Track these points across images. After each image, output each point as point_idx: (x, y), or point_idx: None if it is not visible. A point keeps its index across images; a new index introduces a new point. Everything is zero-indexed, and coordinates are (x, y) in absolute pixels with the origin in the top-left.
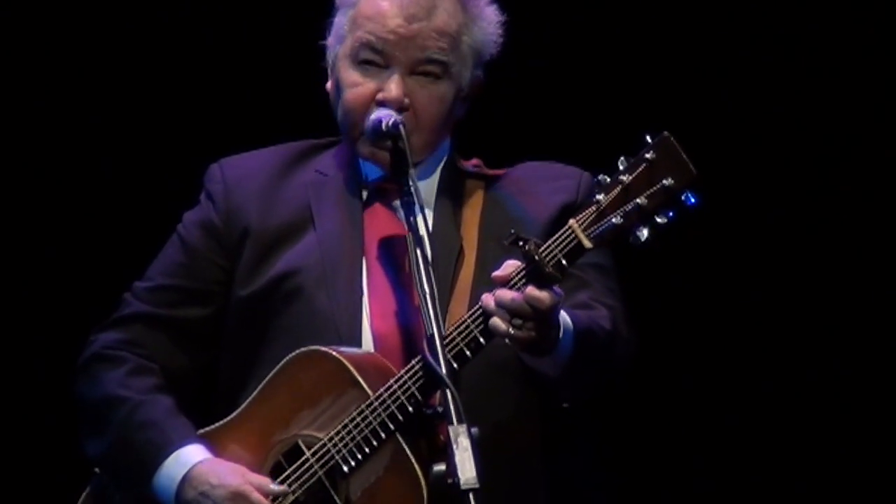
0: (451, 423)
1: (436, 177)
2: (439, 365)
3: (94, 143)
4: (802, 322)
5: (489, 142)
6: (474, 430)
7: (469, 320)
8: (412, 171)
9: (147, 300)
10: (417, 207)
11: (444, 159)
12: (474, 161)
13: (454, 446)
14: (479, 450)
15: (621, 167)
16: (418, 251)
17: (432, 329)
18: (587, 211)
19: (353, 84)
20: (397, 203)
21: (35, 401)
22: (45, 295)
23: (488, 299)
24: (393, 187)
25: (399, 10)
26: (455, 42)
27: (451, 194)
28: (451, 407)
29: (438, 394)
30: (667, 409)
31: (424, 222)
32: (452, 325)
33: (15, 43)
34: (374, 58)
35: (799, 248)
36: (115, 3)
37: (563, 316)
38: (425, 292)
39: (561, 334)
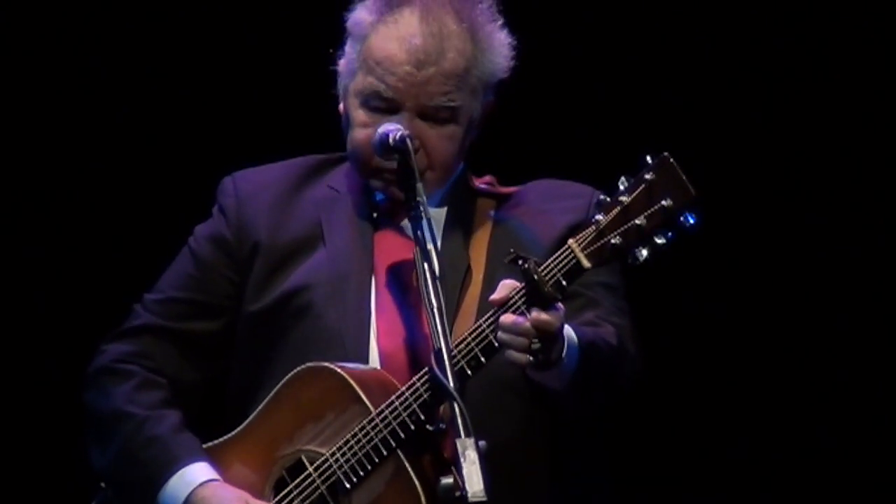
0: (459, 436)
1: (446, 196)
2: (447, 378)
3: (109, 154)
4: (807, 336)
5: (502, 158)
6: (482, 443)
7: (470, 338)
8: (419, 186)
9: (157, 312)
10: (425, 221)
11: (455, 178)
12: (487, 178)
13: (462, 459)
14: (486, 465)
15: (621, 187)
16: (425, 265)
17: (440, 343)
18: (587, 231)
19: (363, 124)
20: (407, 223)
21: (45, 411)
22: (57, 304)
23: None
24: (403, 207)
25: (408, 55)
26: (464, 80)
27: (461, 214)
28: (459, 420)
29: (441, 410)
30: (675, 426)
31: (432, 237)
32: (453, 343)
33: (29, 57)
34: (382, 105)
35: (802, 263)
36: (131, 18)
37: (568, 330)
38: (432, 306)
39: (565, 348)
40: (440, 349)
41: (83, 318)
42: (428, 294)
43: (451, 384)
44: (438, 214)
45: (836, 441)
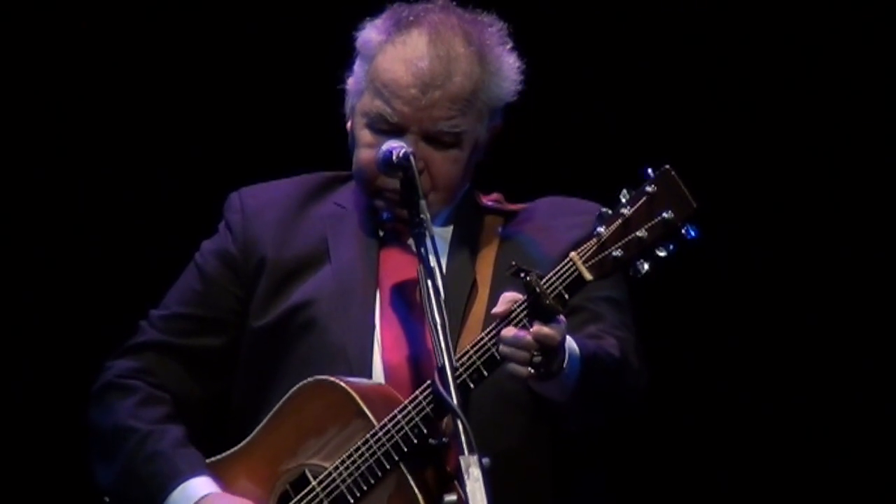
0: (462, 453)
1: (453, 214)
2: (450, 395)
3: (117, 169)
4: (814, 353)
5: (508, 174)
6: (485, 460)
7: (472, 351)
8: (423, 203)
9: (162, 328)
10: (428, 238)
11: (462, 197)
12: (495, 196)
13: (465, 476)
14: (490, 481)
15: (623, 200)
16: (429, 282)
17: (443, 360)
18: (588, 243)
19: (367, 145)
20: (412, 241)
21: (51, 427)
22: (63, 320)
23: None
24: (409, 225)
25: (414, 78)
26: (470, 104)
27: (468, 231)
28: (463, 437)
29: (444, 424)
30: (677, 441)
31: (436, 254)
32: (456, 356)
33: (40, 69)
34: (388, 128)
35: (802, 273)
36: (143, 31)
37: (570, 341)
38: (436, 322)
39: (567, 359)
40: (443, 366)
41: (90, 332)
42: (431, 310)
43: (455, 401)
44: (445, 232)
45: (841, 462)
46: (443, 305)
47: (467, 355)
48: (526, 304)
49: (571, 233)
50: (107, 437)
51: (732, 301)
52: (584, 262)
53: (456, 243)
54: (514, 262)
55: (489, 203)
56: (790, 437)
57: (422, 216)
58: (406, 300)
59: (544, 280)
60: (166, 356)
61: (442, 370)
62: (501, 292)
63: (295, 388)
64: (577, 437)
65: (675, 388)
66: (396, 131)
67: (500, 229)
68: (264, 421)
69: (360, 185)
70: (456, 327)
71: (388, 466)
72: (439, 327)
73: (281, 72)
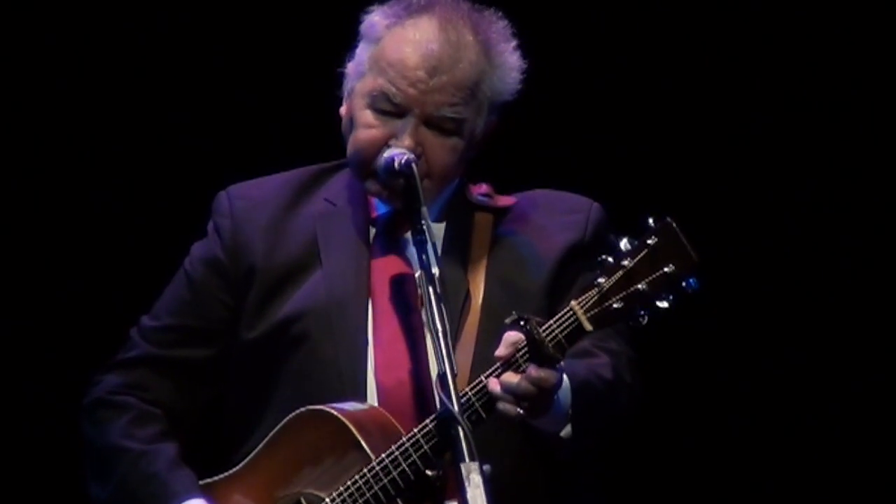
0: (463, 460)
1: (444, 211)
2: (452, 403)
3: (109, 164)
4: (808, 377)
5: (499, 164)
6: (486, 467)
7: (470, 393)
8: (424, 210)
9: (152, 341)
10: (429, 246)
11: (453, 192)
12: (484, 188)
13: (466, 483)
14: (490, 488)
15: (623, 249)
16: (430, 289)
17: (444, 367)
18: (589, 294)
19: (367, 125)
20: (407, 236)
21: (45, 436)
22: (56, 320)
23: (494, 384)
24: (402, 222)
25: (422, 60)
26: (472, 93)
27: (460, 230)
28: (463, 444)
29: (443, 459)
30: (673, 453)
31: (436, 260)
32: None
33: (26, 67)
34: (390, 108)
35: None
36: (128, 24)
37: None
38: (437, 330)
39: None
40: (444, 373)
41: (81, 333)
42: (432, 317)
43: (456, 408)
44: (437, 230)
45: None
46: (444, 313)
47: (466, 397)
48: (525, 350)
49: (564, 234)
50: (100, 457)
51: (728, 305)
52: (585, 313)
53: (448, 245)
54: (514, 312)
55: (479, 197)
56: (788, 443)
57: (423, 223)
58: (399, 309)
59: (544, 328)
60: (158, 370)
61: (443, 377)
62: (493, 304)
63: (290, 416)
64: (573, 458)
65: (676, 400)
66: (398, 113)
67: (491, 229)
68: (259, 447)
69: (356, 167)
70: (451, 340)
71: (384, 500)
72: (441, 335)
73: (270, 65)
